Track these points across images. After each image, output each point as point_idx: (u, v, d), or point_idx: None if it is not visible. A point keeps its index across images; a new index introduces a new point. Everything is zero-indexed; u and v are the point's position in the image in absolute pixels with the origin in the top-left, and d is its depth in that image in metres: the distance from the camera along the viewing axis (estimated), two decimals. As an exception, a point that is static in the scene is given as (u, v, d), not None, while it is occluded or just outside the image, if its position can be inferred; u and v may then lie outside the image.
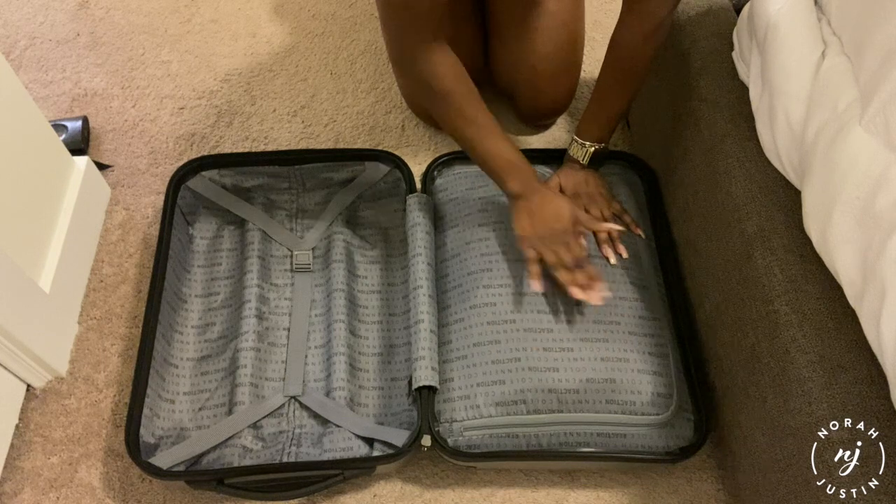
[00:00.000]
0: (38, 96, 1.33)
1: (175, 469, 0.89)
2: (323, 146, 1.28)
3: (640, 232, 1.04)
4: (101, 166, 1.22)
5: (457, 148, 1.23)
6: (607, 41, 0.98)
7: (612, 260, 0.99)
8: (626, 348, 0.92)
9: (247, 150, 1.27)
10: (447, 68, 0.91)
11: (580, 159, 1.05)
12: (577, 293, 0.92)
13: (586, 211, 1.03)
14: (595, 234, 1.02)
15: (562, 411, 0.89)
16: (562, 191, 1.05)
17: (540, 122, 1.30)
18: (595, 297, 0.92)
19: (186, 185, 1.10)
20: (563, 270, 0.93)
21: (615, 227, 1.01)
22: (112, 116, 1.31)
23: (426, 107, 0.96)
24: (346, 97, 1.34)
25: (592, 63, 1.38)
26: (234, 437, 0.94)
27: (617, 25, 0.96)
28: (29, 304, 0.94)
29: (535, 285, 0.94)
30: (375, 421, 0.97)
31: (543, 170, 1.11)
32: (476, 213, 1.05)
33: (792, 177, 0.81)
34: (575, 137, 1.06)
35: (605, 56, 1.00)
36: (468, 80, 0.93)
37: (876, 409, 0.67)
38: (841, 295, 0.71)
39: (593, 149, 1.04)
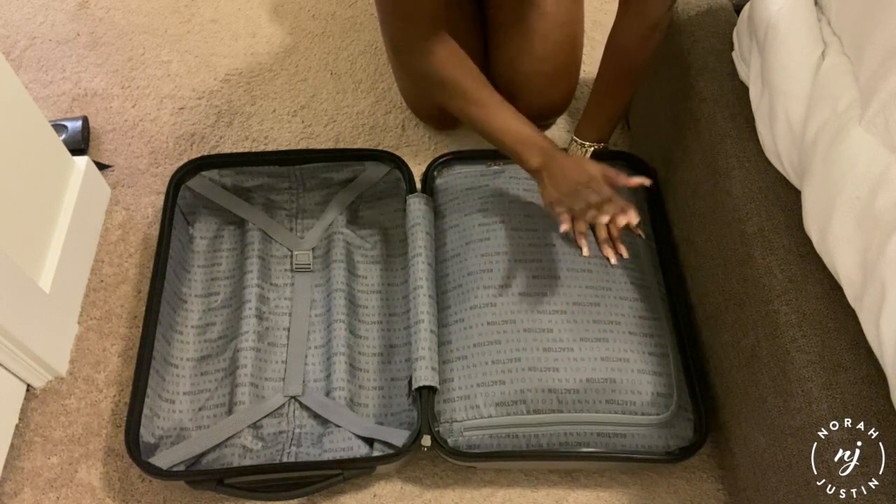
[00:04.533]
0: (38, 96, 1.33)
1: (175, 469, 0.89)
2: (323, 146, 1.28)
3: (640, 232, 1.04)
4: (101, 166, 1.22)
5: (456, 148, 1.24)
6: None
7: (613, 260, 0.99)
8: (626, 348, 0.92)
9: (247, 150, 1.27)
10: (448, 55, 0.91)
11: None
12: (607, 253, 0.98)
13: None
14: (595, 233, 1.02)
15: (562, 411, 0.89)
16: None
17: (539, 122, 1.30)
18: (611, 253, 0.98)
19: (186, 185, 1.10)
20: (599, 226, 0.98)
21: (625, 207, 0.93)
22: (112, 116, 1.31)
23: (434, 100, 0.97)
24: (346, 97, 1.34)
25: (592, 63, 1.38)
26: (234, 437, 0.94)
27: (614, 26, 0.97)
28: (29, 304, 0.94)
29: (584, 251, 0.98)
30: (375, 421, 0.97)
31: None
32: (476, 213, 1.05)
33: (792, 177, 0.81)
34: (574, 137, 1.07)
35: (603, 56, 1.00)
36: (471, 64, 0.93)
37: (876, 409, 0.67)
38: (841, 295, 0.71)
39: (593, 149, 1.05)
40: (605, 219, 0.89)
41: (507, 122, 0.94)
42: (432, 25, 0.89)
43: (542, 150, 0.93)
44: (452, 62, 0.92)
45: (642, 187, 1.12)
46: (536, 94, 1.21)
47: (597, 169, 0.91)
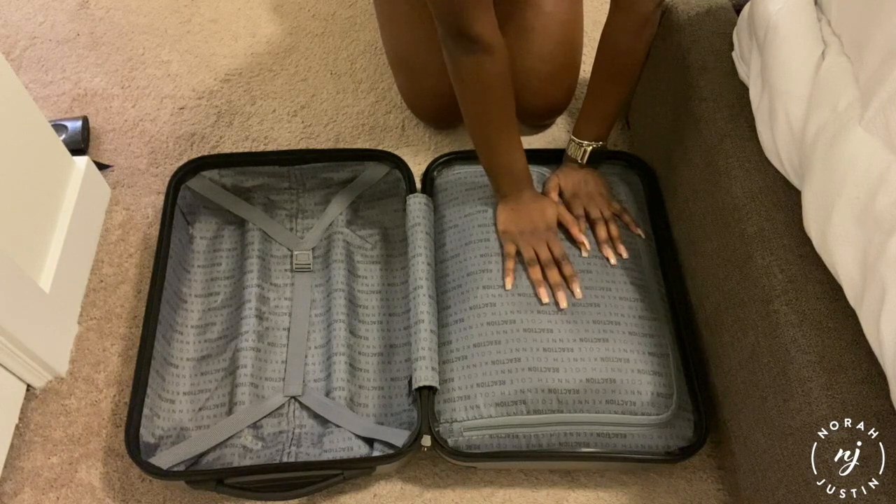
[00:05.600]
0: (38, 96, 1.33)
1: (175, 469, 0.89)
2: (323, 146, 1.28)
3: (639, 232, 1.05)
4: (101, 166, 1.22)
5: (456, 148, 1.24)
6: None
7: (613, 260, 0.99)
8: (626, 348, 0.92)
9: (247, 150, 1.27)
10: (504, 55, 0.91)
11: (578, 158, 1.06)
12: (543, 294, 0.94)
13: (585, 211, 1.03)
14: (595, 233, 1.02)
15: (562, 411, 0.89)
16: (561, 191, 1.05)
17: (539, 122, 1.30)
18: (562, 298, 0.94)
19: (186, 185, 1.10)
20: (536, 268, 0.96)
21: (581, 237, 1.00)
22: (112, 116, 1.31)
23: (463, 100, 0.97)
24: (346, 97, 1.34)
25: (592, 63, 1.38)
26: (234, 437, 0.94)
27: (606, 23, 0.97)
28: (29, 304, 0.94)
29: (508, 282, 0.96)
30: (375, 421, 0.97)
31: (543, 170, 1.11)
32: (476, 213, 1.05)
33: (792, 177, 0.81)
34: (572, 137, 1.07)
35: (596, 55, 1.00)
36: (509, 81, 0.94)
37: (876, 409, 0.67)
38: (841, 295, 0.71)
39: (591, 148, 1.05)
40: (537, 275, 0.96)
41: (514, 156, 0.99)
42: (491, 21, 0.88)
43: (518, 184, 1.00)
44: (497, 69, 0.91)
45: (642, 187, 1.12)
46: (536, 93, 1.21)
47: (553, 215, 0.99)
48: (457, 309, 0.97)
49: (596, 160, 1.06)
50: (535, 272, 0.96)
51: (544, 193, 1.06)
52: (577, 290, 0.95)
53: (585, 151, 1.05)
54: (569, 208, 1.04)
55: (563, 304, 0.94)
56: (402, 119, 1.31)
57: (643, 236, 1.05)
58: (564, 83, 1.23)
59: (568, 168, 1.07)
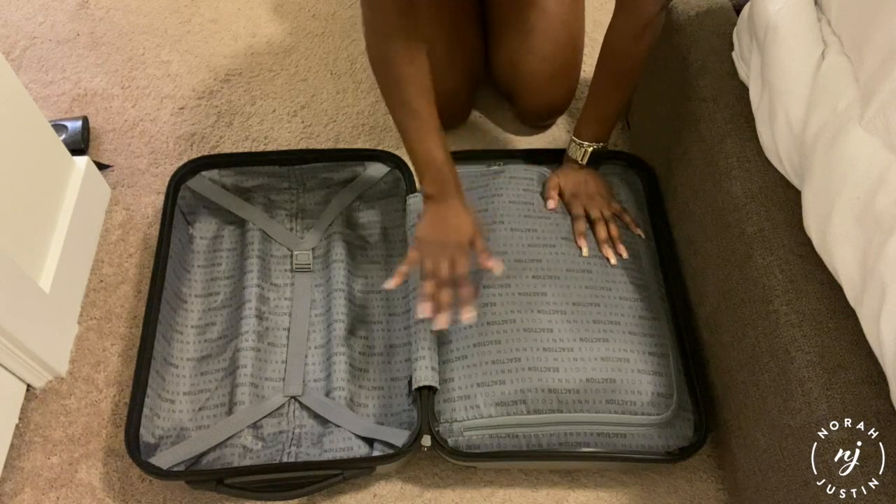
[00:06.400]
0: (38, 96, 1.33)
1: (175, 469, 0.89)
2: (323, 146, 1.28)
3: (639, 232, 1.05)
4: (101, 166, 1.22)
5: (455, 148, 1.23)
6: (607, 41, 0.99)
7: (613, 260, 0.99)
8: (626, 348, 0.92)
9: (247, 150, 1.27)
10: (409, 53, 0.90)
11: (578, 159, 1.06)
12: (426, 309, 0.90)
13: (586, 211, 1.03)
14: (595, 233, 1.02)
15: (562, 411, 0.89)
16: (561, 191, 1.05)
17: (539, 122, 1.30)
18: (442, 320, 0.90)
19: (186, 185, 1.10)
20: (430, 283, 0.91)
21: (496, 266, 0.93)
22: (112, 116, 1.31)
23: (379, 80, 0.96)
24: (346, 97, 1.34)
25: (593, 63, 1.38)
26: (234, 437, 0.94)
27: (609, 25, 0.97)
28: (29, 304, 0.94)
29: (389, 283, 0.93)
30: (375, 421, 0.97)
31: (543, 170, 1.11)
32: (475, 213, 1.04)
33: (792, 177, 0.81)
34: (573, 138, 1.07)
35: (599, 56, 1.00)
36: (425, 71, 0.92)
37: (876, 409, 0.67)
38: (841, 295, 0.71)
39: (591, 148, 1.05)
40: (429, 289, 0.91)
41: (431, 144, 0.94)
42: (406, 15, 0.88)
43: (443, 185, 0.95)
44: (408, 60, 0.90)
45: (642, 187, 1.12)
46: (537, 93, 1.21)
47: (469, 234, 0.93)
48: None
49: (596, 161, 1.06)
50: (428, 286, 0.91)
51: (544, 193, 1.06)
52: (465, 314, 0.89)
53: (586, 152, 1.05)
54: (568, 208, 1.05)
55: (442, 325, 0.90)
56: (402, 119, 1.31)
57: (643, 236, 1.05)
58: (565, 83, 1.23)
59: (568, 168, 1.07)
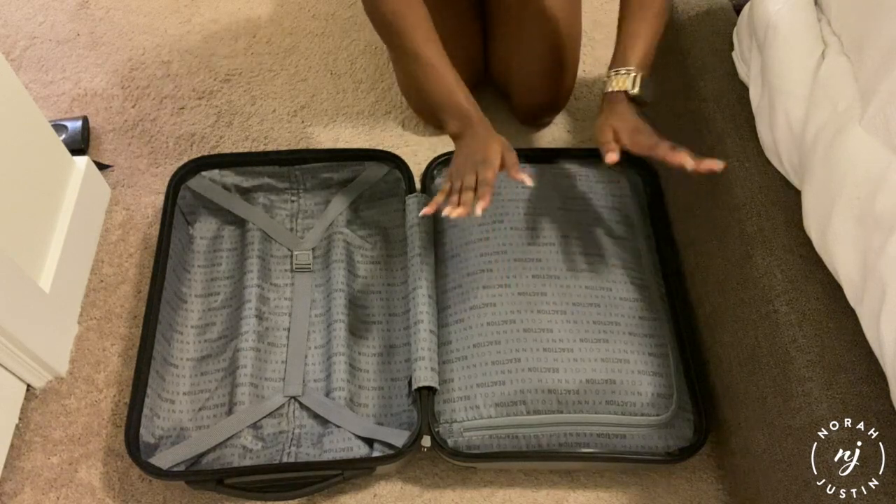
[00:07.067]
0: (38, 96, 1.33)
1: (175, 469, 0.89)
2: (323, 146, 1.28)
3: (711, 164, 0.84)
4: (101, 166, 1.22)
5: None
6: (608, 41, 0.98)
7: (717, 166, 0.83)
8: (626, 349, 0.92)
9: (247, 150, 1.27)
10: (409, 7, 0.89)
11: (629, 88, 0.91)
12: (433, 206, 0.88)
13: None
14: (677, 155, 0.85)
15: (562, 412, 0.89)
16: (616, 134, 0.90)
17: (536, 120, 1.30)
18: (450, 210, 0.85)
19: (186, 185, 1.10)
20: (448, 185, 0.89)
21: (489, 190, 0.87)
22: (112, 116, 1.31)
23: (382, 38, 0.95)
24: (346, 97, 1.34)
25: (593, 63, 1.38)
26: (234, 437, 0.94)
27: None
28: (29, 304, 0.94)
29: (425, 210, 0.89)
30: (375, 421, 0.97)
31: (543, 169, 1.10)
32: (476, 213, 1.04)
33: (792, 177, 0.81)
34: (613, 70, 0.93)
35: None
36: (426, 18, 0.91)
37: (876, 409, 0.67)
38: (841, 295, 0.71)
39: (640, 74, 0.91)
40: (453, 196, 0.87)
41: (445, 85, 0.92)
42: None
43: (463, 119, 0.92)
44: (410, 13, 0.89)
45: (643, 187, 1.12)
46: (532, 92, 1.21)
47: (496, 152, 0.88)
48: (457, 309, 0.97)
49: (645, 94, 0.92)
50: (446, 186, 0.89)
51: (598, 141, 0.92)
52: (478, 209, 0.84)
53: (635, 78, 0.91)
54: (638, 148, 0.89)
55: (451, 214, 0.85)
56: (402, 119, 1.31)
57: (719, 166, 0.85)
58: (561, 81, 1.22)
59: (615, 108, 0.92)
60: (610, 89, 0.93)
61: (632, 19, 0.93)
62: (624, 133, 0.89)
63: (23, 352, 0.94)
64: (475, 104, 0.93)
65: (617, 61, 0.93)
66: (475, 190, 0.87)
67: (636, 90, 0.91)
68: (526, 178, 0.87)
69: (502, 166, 0.89)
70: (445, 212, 0.86)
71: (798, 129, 0.78)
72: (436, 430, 0.90)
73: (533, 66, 1.17)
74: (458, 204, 0.86)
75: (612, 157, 0.88)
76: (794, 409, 0.72)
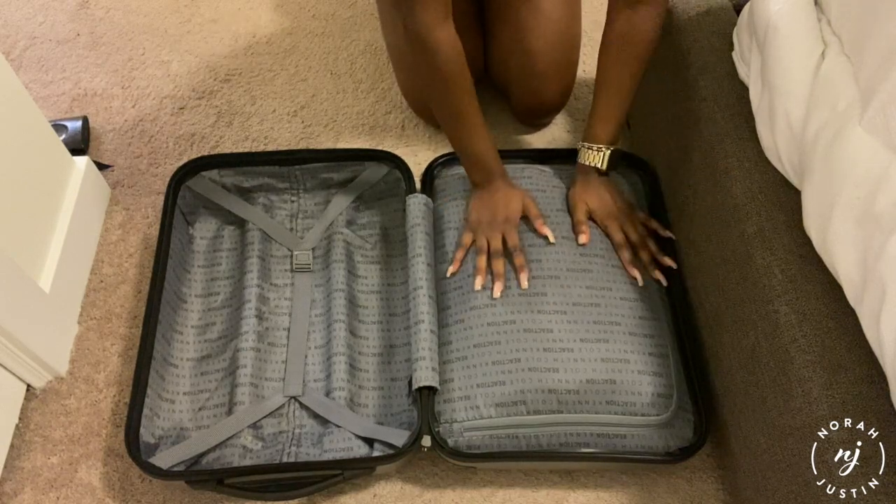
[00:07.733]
0: (38, 96, 1.33)
1: (175, 469, 0.89)
2: (323, 146, 1.28)
3: (669, 234, 1.02)
4: (101, 166, 1.22)
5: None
6: (607, 41, 0.98)
7: (664, 282, 1.00)
8: (626, 349, 0.92)
9: (247, 150, 1.27)
10: (454, 53, 0.92)
11: (599, 164, 1.01)
12: (477, 282, 0.96)
13: (624, 233, 1.00)
14: (637, 255, 1.00)
15: (562, 412, 0.89)
16: (591, 214, 1.02)
17: (535, 120, 1.30)
18: (498, 288, 0.94)
19: (186, 185, 1.10)
20: (483, 257, 0.97)
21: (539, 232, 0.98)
22: (112, 116, 1.31)
23: (422, 89, 0.99)
24: (346, 97, 1.35)
25: (593, 63, 1.38)
26: (234, 437, 0.94)
27: (613, 16, 0.95)
28: (29, 304, 0.94)
29: (449, 269, 0.99)
30: (375, 421, 0.97)
31: (545, 168, 1.10)
32: (476, 213, 1.05)
33: (792, 177, 0.81)
34: (585, 144, 1.02)
35: (603, 50, 0.97)
36: (468, 72, 0.95)
37: (876, 409, 0.67)
38: (841, 295, 0.71)
39: (610, 151, 1.00)
40: (482, 262, 0.97)
41: (481, 144, 0.99)
42: (445, 11, 0.89)
43: (487, 173, 1.00)
44: (454, 61, 0.92)
45: (642, 187, 1.12)
46: (531, 92, 1.21)
47: (518, 210, 0.99)
48: (457, 309, 0.97)
49: (614, 166, 1.02)
50: (481, 261, 0.97)
51: (572, 219, 1.02)
52: (524, 281, 0.94)
53: (605, 155, 1.00)
54: (607, 232, 1.01)
55: (497, 293, 0.94)
56: (402, 119, 1.32)
57: (673, 237, 1.02)
58: (560, 81, 1.22)
59: (588, 181, 1.02)
60: (581, 161, 1.03)
61: (611, 88, 0.98)
62: (597, 214, 1.01)
63: (23, 352, 0.94)
64: (499, 158, 1.01)
65: (589, 136, 1.02)
66: (503, 251, 0.96)
67: (605, 167, 1.01)
68: (549, 233, 0.98)
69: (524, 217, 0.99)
70: (478, 284, 0.96)
71: (798, 129, 0.78)
72: (436, 430, 0.90)
73: (533, 67, 1.17)
74: (486, 267, 0.96)
75: (583, 238, 0.99)
76: (794, 409, 0.72)
